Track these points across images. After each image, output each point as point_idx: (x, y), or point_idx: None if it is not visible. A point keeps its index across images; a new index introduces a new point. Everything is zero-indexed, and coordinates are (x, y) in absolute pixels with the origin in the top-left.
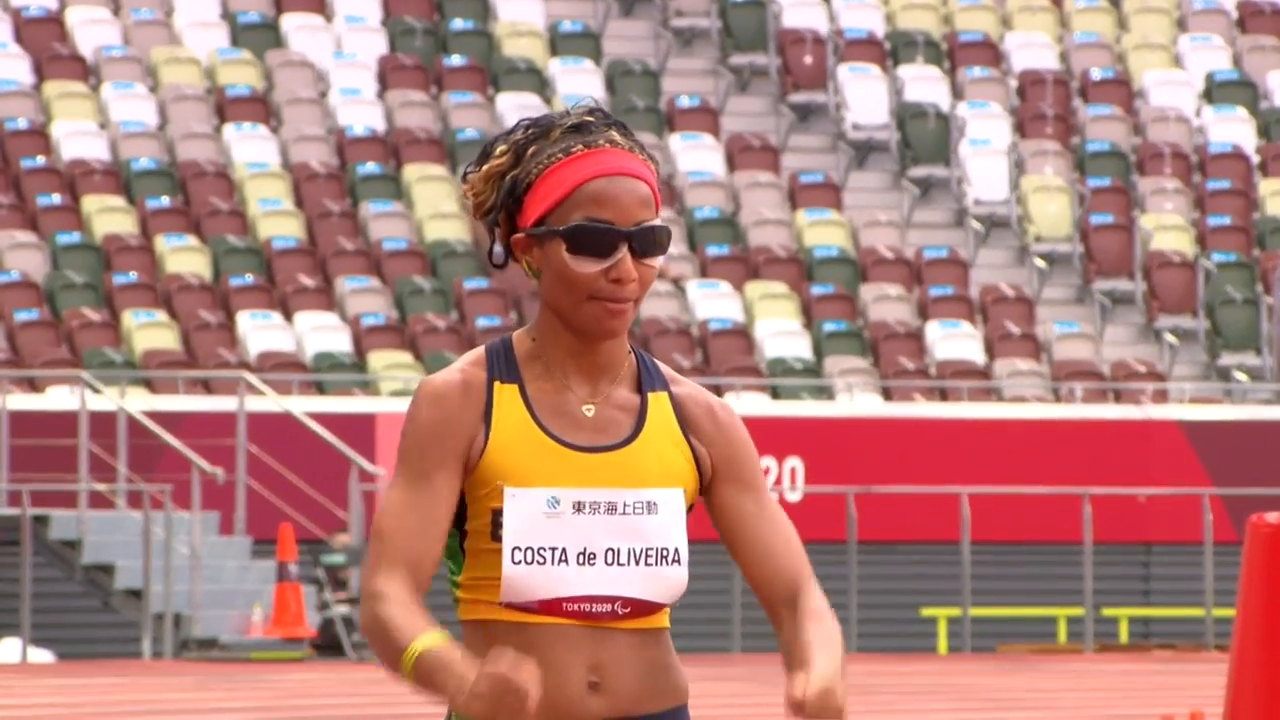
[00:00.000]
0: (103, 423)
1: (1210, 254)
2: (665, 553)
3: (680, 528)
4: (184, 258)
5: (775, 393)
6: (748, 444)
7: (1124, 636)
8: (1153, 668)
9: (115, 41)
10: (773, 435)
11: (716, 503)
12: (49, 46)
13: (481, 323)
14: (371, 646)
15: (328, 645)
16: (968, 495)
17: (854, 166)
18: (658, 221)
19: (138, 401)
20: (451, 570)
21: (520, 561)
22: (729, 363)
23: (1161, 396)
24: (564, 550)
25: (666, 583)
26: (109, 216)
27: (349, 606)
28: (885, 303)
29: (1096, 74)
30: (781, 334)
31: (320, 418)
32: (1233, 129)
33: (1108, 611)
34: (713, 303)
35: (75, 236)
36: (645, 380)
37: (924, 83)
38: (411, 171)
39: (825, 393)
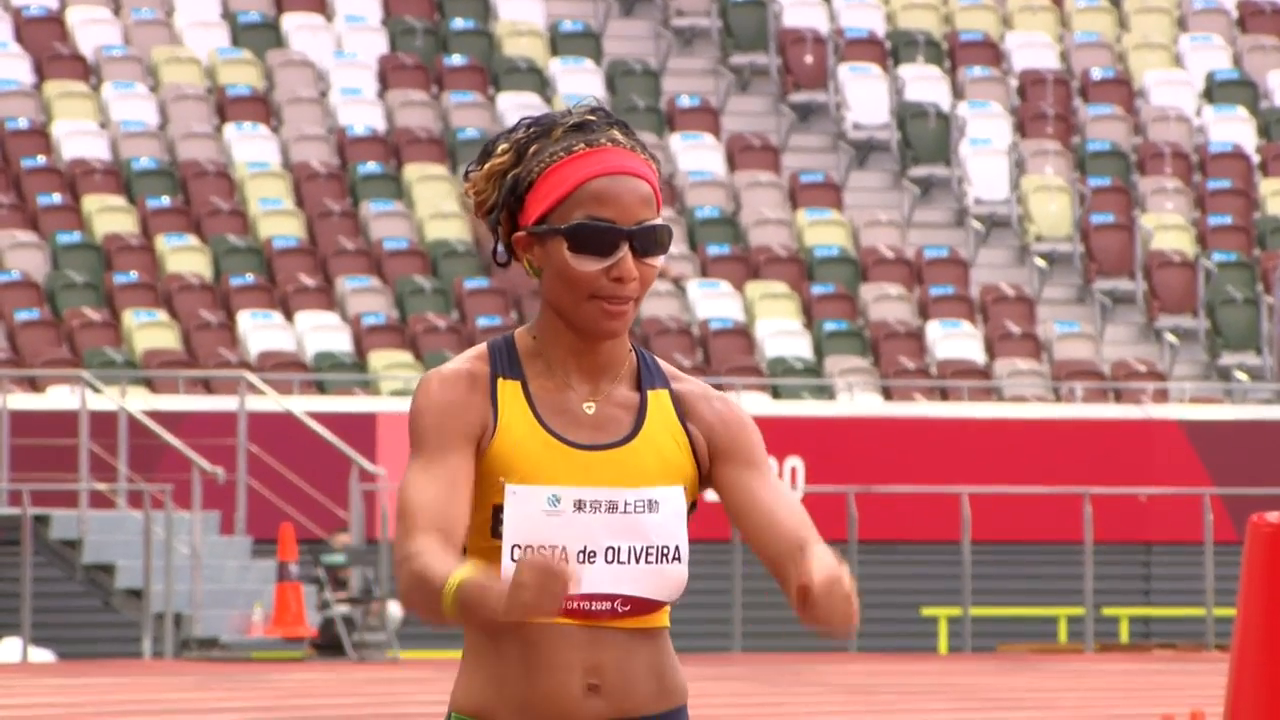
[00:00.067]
0: (103, 422)
1: (1211, 254)
2: (666, 551)
3: (681, 526)
4: (184, 257)
5: (776, 392)
6: (748, 427)
7: (1124, 636)
8: (1153, 667)
9: (116, 41)
10: (773, 435)
11: (720, 483)
12: (49, 46)
13: (482, 322)
14: (413, 603)
15: (328, 645)
16: (968, 495)
17: (854, 166)
18: (659, 220)
19: (138, 401)
20: None
21: (520, 559)
22: (729, 362)
23: (1162, 396)
24: (564, 549)
25: (667, 581)
26: (109, 216)
27: (349, 606)
28: (886, 302)
29: (1097, 73)
30: (782, 334)
31: (321, 417)
32: (1233, 128)
33: (1108, 611)
34: (713, 302)
35: (76, 236)
36: (645, 378)
37: (924, 82)
38: (412, 171)
39: (826, 392)
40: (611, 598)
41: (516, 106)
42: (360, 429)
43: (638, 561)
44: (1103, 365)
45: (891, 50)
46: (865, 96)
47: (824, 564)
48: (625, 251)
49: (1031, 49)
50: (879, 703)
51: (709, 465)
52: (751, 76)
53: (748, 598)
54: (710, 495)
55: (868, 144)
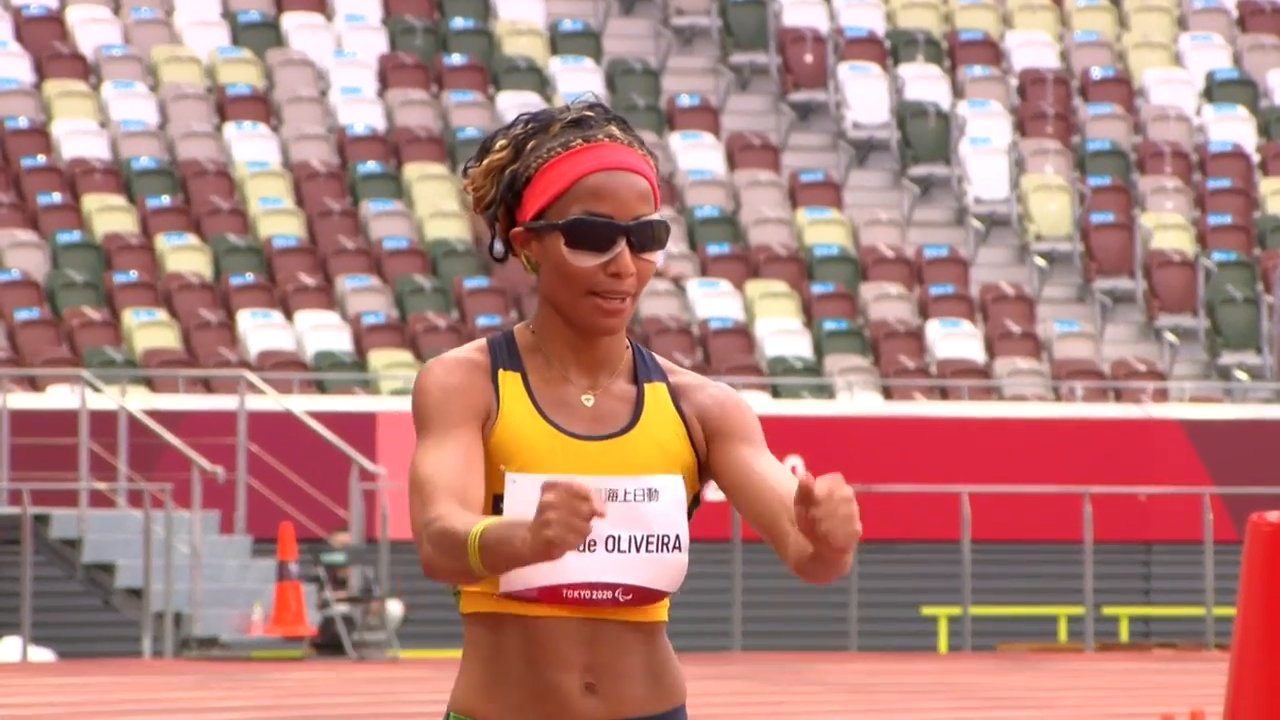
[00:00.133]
0: (103, 422)
1: (1210, 253)
2: (666, 540)
3: (681, 515)
4: (184, 257)
5: (775, 391)
6: (743, 407)
7: (1124, 635)
8: (1153, 667)
9: (116, 40)
10: (773, 434)
11: (717, 460)
12: (49, 45)
13: (482, 321)
14: (438, 565)
15: (328, 644)
16: (968, 494)
17: (854, 165)
18: (656, 216)
19: (138, 400)
20: None
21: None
22: (729, 361)
23: (1162, 395)
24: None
25: (668, 570)
26: (109, 215)
27: (349, 605)
28: (885, 301)
29: (1097, 73)
30: (782, 333)
31: (321, 417)
32: (1233, 128)
33: (1108, 610)
34: (713, 301)
35: (76, 235)
36: (641, 372)
37: (924, 81)
38: (412, 170)
39: (825, 391)
40: (613, 586)
41: (516, 106)
42: (360, 428)
43: (638, 550)
44: (1103, 364)
45: (891, 49)
46: (865, 96)
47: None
48: (622, 247)
49: (1031, 48)
50: (879, 702)
51: (706, 450)
52: (751, 76)
53: (747, 597)
54: (710, 495)
55: (868, 143)
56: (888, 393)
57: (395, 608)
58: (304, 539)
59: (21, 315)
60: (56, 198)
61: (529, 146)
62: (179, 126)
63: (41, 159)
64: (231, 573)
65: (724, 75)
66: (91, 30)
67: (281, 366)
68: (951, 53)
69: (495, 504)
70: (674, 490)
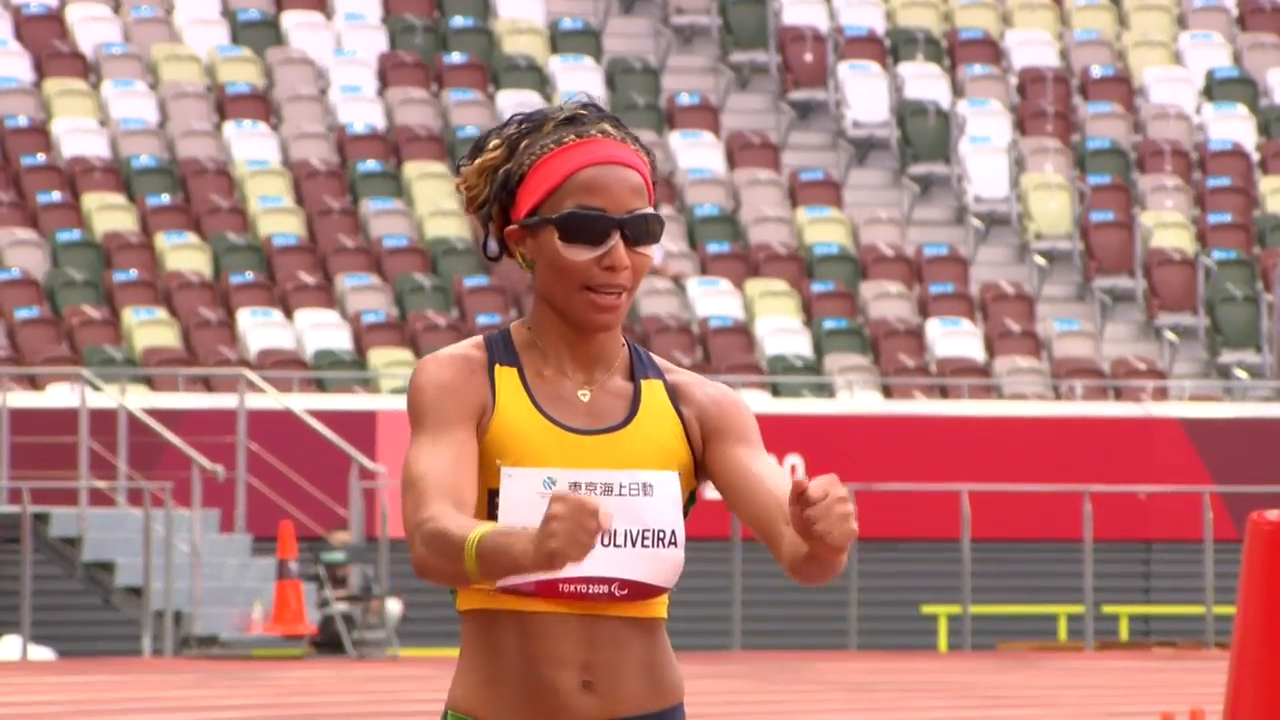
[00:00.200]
0: (103, 420)
1: (1210, 251)
2: (662, 535)
3: (676, 510)
4: (184, 255)
5: (775, 390)
6: (740, 407)
7: (1124, 634)
8: (1153, 665)
9: (115, 39)
10: (773, 433)
11: (713, 460)
12: (49, 44)
13: (482, 320)
14: (430, 566)
15: (328, 642)
16: (968, 492)
17: (854, 164)
18: (650, 210)
19: (138, 399)
20: None
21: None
22: (729, 360)
23: (1162, 394)
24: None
25: (663, 565)
26: (109, 214)
27: (349, 604)
28: (885, 300)
29: (1097, 71)
30: (782, 331)
31: (320, 415)
32: (1233, 126)
33: (1108, 609)
34: (713, 300)
35: (75, 234)
36: (638, 369)
37: (924, 80)
38: (412, 169)
39: (825, 390)
40: (609, 581)
41: (516, 104)
42: (360, 427)
43: (634, 545)
44: (1102, 363)
45: (891, 48)
46: (865, 94)
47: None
48: (617, 240)
49: (1031, 47)
50: (878, 700)
51: (703, 449)
52: (751, 74)
53: (747, 595)
54: (710, 494)
55: (867, 142)
56: (887, 391)
57: (395, 606)
58: (304, 537)
59: (21, 314)
60: (56, 196)
61: (522, 145)
62: (179, 125)
63: (41, 158)
64: (231, 571)
65: (724, 74)
66: (91, 29)
67: (281, 365)
68: (951, 51)
69: (491, 499)
70: (669, 486)
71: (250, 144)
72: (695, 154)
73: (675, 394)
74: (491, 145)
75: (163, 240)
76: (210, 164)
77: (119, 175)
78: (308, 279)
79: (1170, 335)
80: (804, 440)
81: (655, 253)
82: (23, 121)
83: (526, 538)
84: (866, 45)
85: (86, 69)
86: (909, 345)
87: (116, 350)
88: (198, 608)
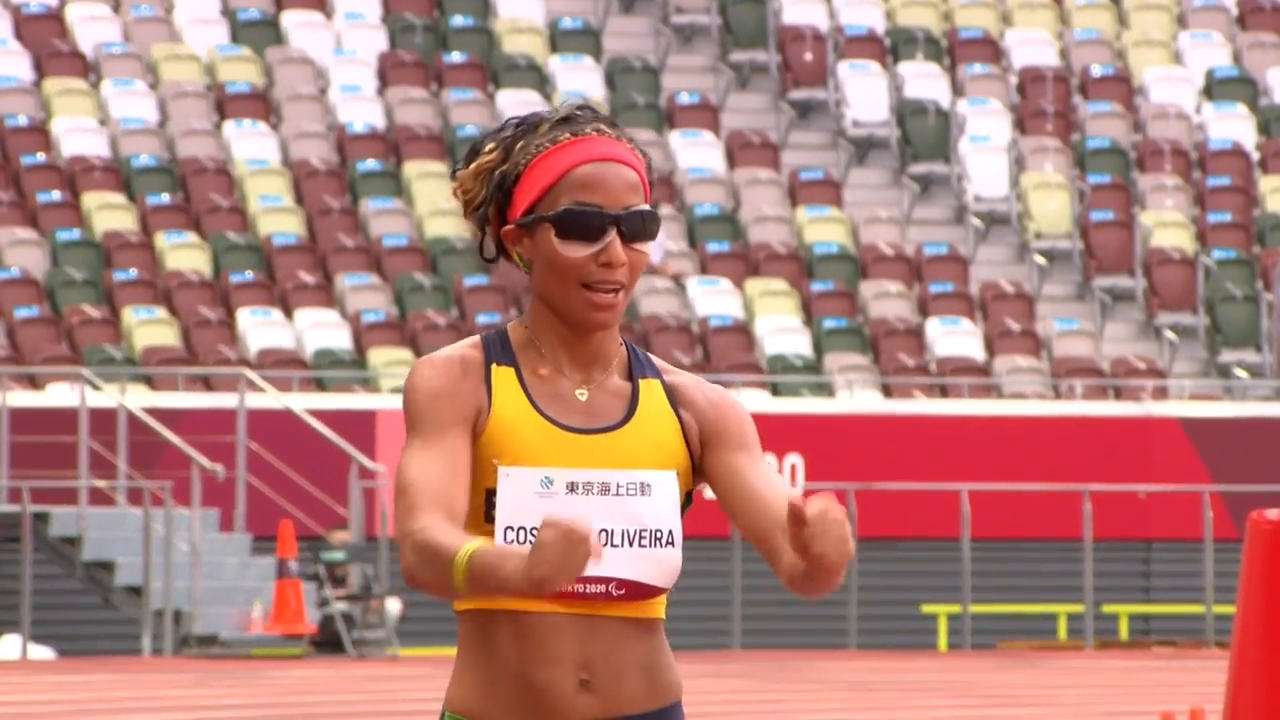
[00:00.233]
0: (103, 419)
1: (1210, 251)
2: (659, 534)
3: (674, 510)
4: (184, 254)
5: (775, 390)
6: (739, 411)
7: (1124, 633)
8: (1153, 664)
9: (115, 38)
10: (773, 432)
11: (711, 467)
12: (49, 43)
13: (482, 319)
14: (419, 578)
15: (327, 642)
16: (968, 492)
17: (854, 163)
18: (646, 206)
19: (138, 398)
20: None
21: (513, 541)
22: (729, 359)
23: (1161, 393)
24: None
25: (661, 565)
26: (109, 213)
27: (349, 603)
28: (885, 299)
29: (1097, 71)
30: (782, 331)
31: (320, 415)
32: (1233, 126)
33: (1108, 608)
34: (713, 299)
35: (75, 233)
36: (636, 368)
37: (924, 79)
38: (412, 168)
39: (825, 389)
40: (606, 580)
41: (516, 104)
42: (360, 426)
43: (631, 545)
44: (1102, 362)
45: (891, 47)
46: (865, 93)
47: (817, 497)
48: (613, 236)
49: (1031, 46)
50: (878, 700)
51: (701, 452)
52: (751, 74)
53: (747, 594)
54: (708, 495)
55: (867, 141)
56: (887, 391)
57: (394, 605)
58: (303, 537)
59: (21, 313)
60: (56, 195)
61: (517, 146)
62: (179, 124)
63: (41, 157)
64: (231, 570)
65: (724, 73)
66: (91, 28)
67: (281, 364)
68: (951, 51)
69: (488, 499)
70: (667, 486)
71: (250, 143)
72: (695, 153)
73: (673, 395)
74: (487, 149)
75: (163, 240)
76: (210, 163)
77: (119, 175)
78: (308, 278)
79: (1170, 335)
80: (804, 440)
81: (653, 251)
82: (23, 121)
83: (517, 560)
84: (866, 45)
85: (86, 68)
86: (909, 345)
87: (116, 350)
88: (197, 607)
